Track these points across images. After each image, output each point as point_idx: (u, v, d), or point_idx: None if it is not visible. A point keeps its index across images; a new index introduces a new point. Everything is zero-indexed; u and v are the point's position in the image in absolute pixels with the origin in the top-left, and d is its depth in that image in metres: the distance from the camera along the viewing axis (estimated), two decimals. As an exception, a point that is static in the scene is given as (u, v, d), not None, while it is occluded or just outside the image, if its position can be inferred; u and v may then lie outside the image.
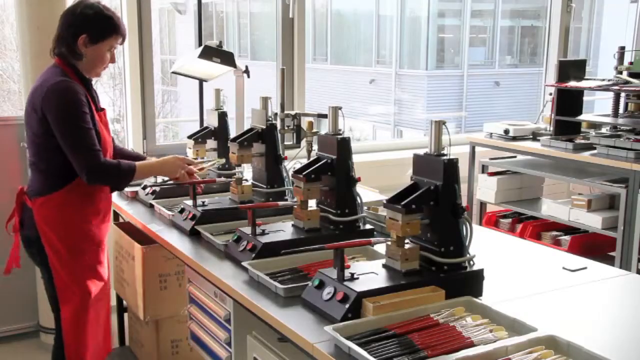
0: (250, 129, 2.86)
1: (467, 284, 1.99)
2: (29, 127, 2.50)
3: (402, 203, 1.91)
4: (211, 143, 3.32)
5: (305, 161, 2.56)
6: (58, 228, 2.49)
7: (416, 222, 1.93)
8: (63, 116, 2.38)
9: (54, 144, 2.42)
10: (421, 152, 2.05)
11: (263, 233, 2.38)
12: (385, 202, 1.97)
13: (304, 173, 2.36)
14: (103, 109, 2.60)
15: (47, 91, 2.38)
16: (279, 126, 3.11)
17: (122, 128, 5.48)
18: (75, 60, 2.49)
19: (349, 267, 1.96)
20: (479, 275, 2.01)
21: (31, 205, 2.51)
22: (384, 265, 2.01)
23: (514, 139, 4.60)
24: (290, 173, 2.69)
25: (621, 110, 4.51)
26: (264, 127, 2.83)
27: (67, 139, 2.39)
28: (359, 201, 2.46)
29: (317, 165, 2.39)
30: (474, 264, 2.03)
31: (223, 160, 3.23)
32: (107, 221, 2.68)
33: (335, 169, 2.39)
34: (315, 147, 2.66)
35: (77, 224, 2.52)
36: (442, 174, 1.94)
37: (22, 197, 2.57)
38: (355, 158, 2.46)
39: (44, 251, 2.50)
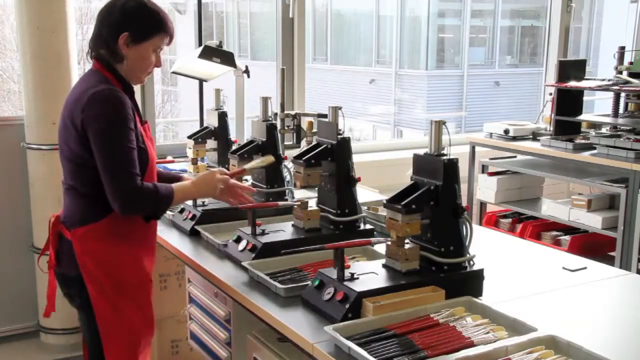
0: (251, 142, 2.86)
1: (467, 284, 1.98)
2: (65, 146, 2.12)
3: (402, 203, 1.91)
4: (211, 143, 3.32)
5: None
6: (103, 262, 2.12)
7: (416, 222, 1.93)
8: (104, 130, 2.02)
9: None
10: (421, 152, 2.05)
11: (263, 233, 2.38)
12: (385, 202, 1.97)
13: (304, 158, 2.36)
14: (146, 121, 2.23)
15: (88, 101, 2.02)
16: (279, 126, 3.11)
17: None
18: (116, 63, 2.13)
19: (349, 267, 1.96)
20: (479, 275, 2.01)
21: (70, 237, 2.13)
22: (384, 265, 2.01)
23: (514, 139, 4.60)
24: (292, 172, 2.70)
25: (621, 110, 4.51)
26: (264, 139, 2.83)
27: (103, 158, 2.02)
28: (359, 201, 2.46)
29: (317, 151, 2.39)
30: (474, 264, 2.03)
31: (262, 159, 2.69)
32: (154, 253, 2.31)
33: (335, 169, 2.39)
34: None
35: (126, 256, 2.16)
36: (442, 174, 1.94)
37: (58, 227, 2.18)
38: (355, 158, 2.47)
39: (85, 291, 2.12)
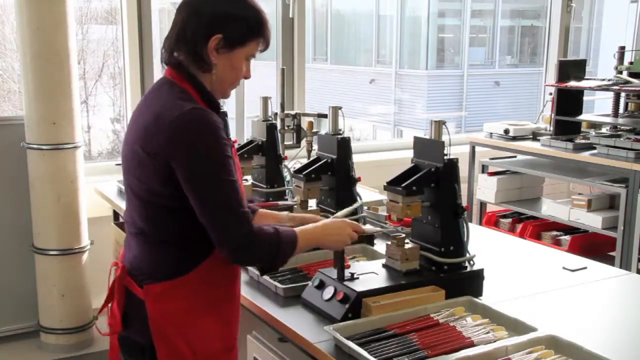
0: (251, 142, 2.86)
1: (467, 284, 1.99)
2: (135, 179, 1.68)
3: (403, 185, 1.91)
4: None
5: (305, 161, 2.56)
6: (186, 327, 1.69)
7: (417, 205, 1.93)
8: (200, 164, 1.59)
9: (182, 205, 1.63)
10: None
11: (263, 233, 2.37)
12: (385, 184, 1.96)
13: (304, 173, 2.36)
14: (235, 140, 1.87)
15: (172, 127, 1.58)
16: (279, 126, 3.11)
17: (122, 128, 5.48)
18: (200, 72, 1.69)
19: (349, 267, 1.96)
20: (479, 275, 2.01)
21: (143, 295, 1.69)
22: (384, 265, 2.01)
23: (514, 139, 4.60)
24: (292, 172, 2.69)
25: (621, 110, 4.51)
26: (264, 139, 2.83)
27: (205, 198, 1.60)
28: (359, 201, 2.46)
29: (317, 165, 2.39)
30: (474, 263, 2.03)
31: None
32: (239, 316, 1.88)
33: (335, 169, 2.39)
34: (315, 147, 2.66)
35: (212, 319, 1.74)
36: (442, 156, 1.94)
37: (126, 281, 1.74)
38: (355, 158, 2.47)
39: None
